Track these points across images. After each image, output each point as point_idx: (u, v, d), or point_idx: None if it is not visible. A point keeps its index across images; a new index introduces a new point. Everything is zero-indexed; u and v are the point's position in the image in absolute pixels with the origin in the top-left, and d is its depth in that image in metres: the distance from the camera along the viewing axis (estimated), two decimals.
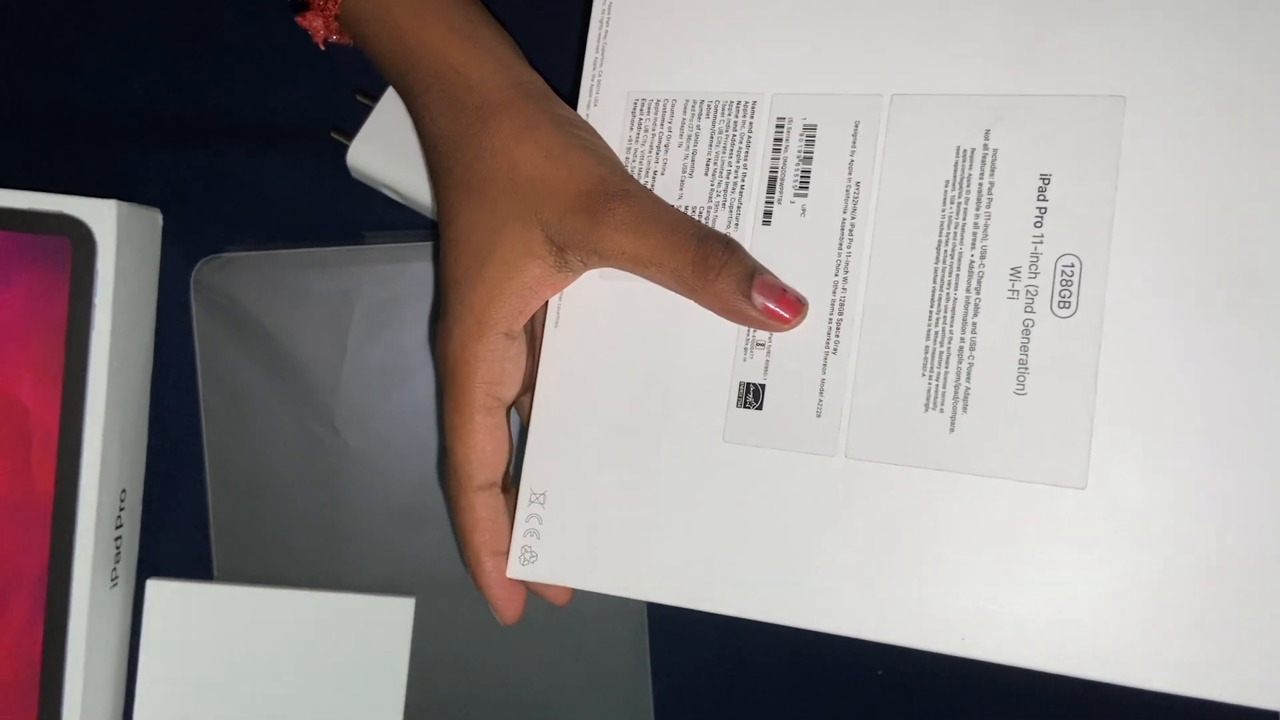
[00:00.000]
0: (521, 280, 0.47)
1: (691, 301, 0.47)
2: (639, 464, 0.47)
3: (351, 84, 0.60)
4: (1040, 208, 0.44)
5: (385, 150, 0.58)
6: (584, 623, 0.59)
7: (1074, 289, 0.43)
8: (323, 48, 0.55)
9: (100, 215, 0.55)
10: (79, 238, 0.54)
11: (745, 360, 0.46)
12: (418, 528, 0.59)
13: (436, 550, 0.59)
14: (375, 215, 0.61)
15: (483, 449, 0.48)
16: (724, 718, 0.60)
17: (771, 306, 0.45)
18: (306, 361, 0.59)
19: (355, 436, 0.59)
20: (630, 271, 0.47)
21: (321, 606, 0.57)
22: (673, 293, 0.47)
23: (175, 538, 0.61)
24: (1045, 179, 0.44)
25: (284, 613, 0.57)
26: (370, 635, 0.57)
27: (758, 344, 0.46)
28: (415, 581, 0.59)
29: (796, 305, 0.45)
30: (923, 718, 0.59)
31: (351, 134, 0.58)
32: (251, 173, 0.61)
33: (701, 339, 0.47)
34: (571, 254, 0.47)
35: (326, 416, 0.59)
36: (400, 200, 0.60)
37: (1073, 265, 0.43)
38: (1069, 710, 0.58)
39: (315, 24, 0.54)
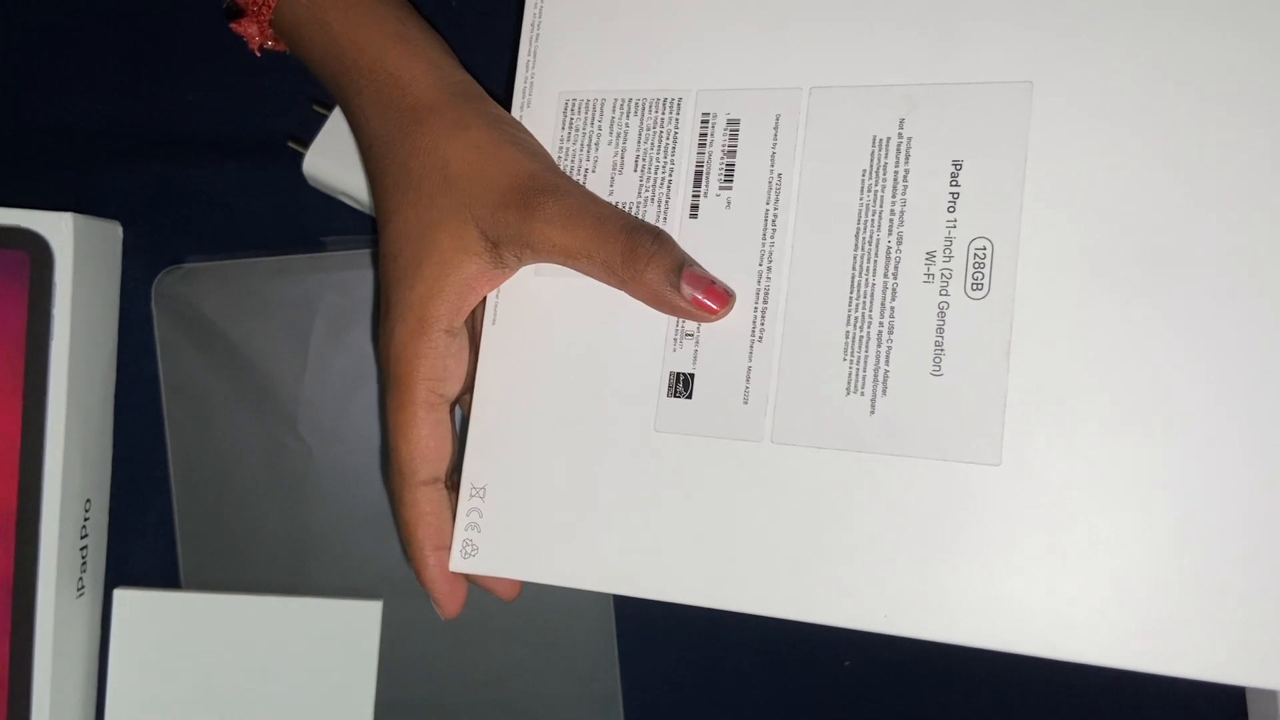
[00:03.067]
0: (459, 277, 0.48)
1: (623, 295, 0.47)
2: (576, 456, 0.48)
3: (308, 93, 0.61)
4: (953, 193, 0.44)
5: (340, 158, 0.58)
6: (552, 621, 0.59)
7: (986, 271, 0.43)
8: (258, 54, 0.55)
9: (57, 228, 0.55)
10: (36, 251, 0.55)
11: (675, 351, 0.47)
12: (384, 531, 0.59)
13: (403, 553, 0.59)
14: (334, 223, 0.62)
15: (426, 444, 0.48)
16: (693, 711, 0.60)
17: (699, 298, 0.46)
18: (269, 369, 0.60)
19: (319, 441, 0.60)
20: (562, 265, 0.47)
21: (289, 612, 0.58)
22: (605, 287, 0.48)
23: (142, 547, 0.61)
24: (957, 165, 0.45)
25: (252, 619, 0.58)
26: (339, 639, 0.57)
27: (687, 334, 0.47)
28: (382, 584, 0.59)
29: (724, 296, 0.46)
30: (890, 708, 0.59)
31: (308, 142, 0.58)
32: (211, 183, 0.62)
33: (633, 331, 0.48)
34: (505, 249, 0.47)
35: (290, 422, 0.60)
36: (357, 207, 0.60)
37: (984, 248, 0.44)
38: (1035, 700, 0.58)
39: (250, 30, 0.54)
